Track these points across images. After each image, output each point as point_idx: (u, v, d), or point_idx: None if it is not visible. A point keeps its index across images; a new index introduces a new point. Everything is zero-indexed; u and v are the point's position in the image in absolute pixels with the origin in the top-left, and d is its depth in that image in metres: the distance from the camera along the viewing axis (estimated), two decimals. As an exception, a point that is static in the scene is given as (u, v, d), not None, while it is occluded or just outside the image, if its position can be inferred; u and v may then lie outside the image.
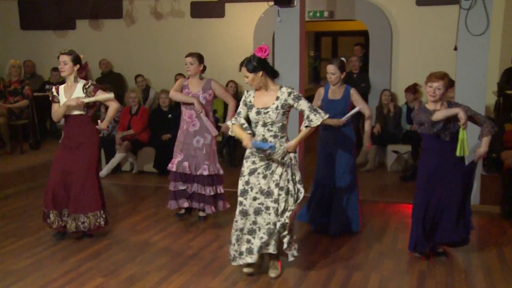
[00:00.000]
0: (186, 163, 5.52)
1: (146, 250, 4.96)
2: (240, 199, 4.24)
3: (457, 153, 4.38)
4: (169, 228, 5.56)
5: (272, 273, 4.33)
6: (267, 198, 4.14)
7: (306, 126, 4.14)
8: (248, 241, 4.19)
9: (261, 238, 4.15)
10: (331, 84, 5.22)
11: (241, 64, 4.15)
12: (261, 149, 4.09)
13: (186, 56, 5.54)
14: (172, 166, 5.58)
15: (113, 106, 5.13)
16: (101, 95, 5.02)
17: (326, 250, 4.93)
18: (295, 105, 4.13)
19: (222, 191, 5.63)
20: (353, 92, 5.22)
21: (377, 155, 8.25)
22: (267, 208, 4.14)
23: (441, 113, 4.31)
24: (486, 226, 5.58)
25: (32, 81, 9.49)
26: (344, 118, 5.15)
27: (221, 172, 5.60)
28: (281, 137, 4.18)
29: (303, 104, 4.12)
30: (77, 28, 10.39)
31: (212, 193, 5.53)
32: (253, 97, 4.22)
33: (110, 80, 9.34)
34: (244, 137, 4.12)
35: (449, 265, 4.57)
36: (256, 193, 4.17)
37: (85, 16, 10.25)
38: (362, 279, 4.29)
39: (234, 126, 4.25)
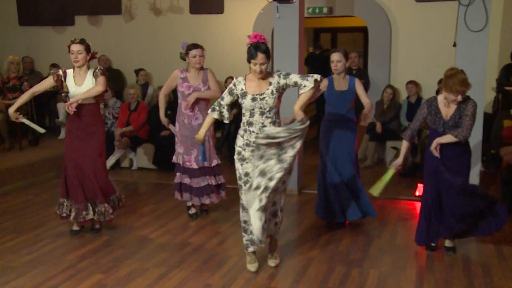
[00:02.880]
0: (199, 157, 5.53)
1: (145, 246, 4.96)
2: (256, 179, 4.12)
3: (370, 190, 4.75)
4: (168, 225, 5.56)
5: (272, 263, 4.43)
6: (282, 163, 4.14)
7: (301, 94, 4.14)
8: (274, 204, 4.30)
9: (284, 182, 4.22)
10: (336, 73, 5.21)
11: (261, 51, 4.05)
12: (201, 155, 4.66)
13: (192, 48, 5.43)
14: (191, 163, 5.54)
15: (97, 87, 4.84)
16: (89, 91, 4.85)
17: (325, 246, 4.94)
18: (287, 81, 4.14)
19: (223, 180, 5.73)
20: (358, 81, 5.25)
21: (376, 151, 8.26)
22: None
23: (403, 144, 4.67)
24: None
25: (31, 77, 9.47)
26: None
27: (219, 162, 5.70)
28: (277, 122, 4.21)
29: (294, 77, 4.14)
30: (76, 24, 10.38)
31: (219, 182, 5.66)
32: (244, 84, 4.21)
33: (109, 76, 9.19)
34: (201, 133, 4.40)
35: (447, 261, 4.58)
36: (264, 162, 4.11)
37: (84, 12, 10.24)
38: (361, 275, 4.30)
39: (208, 117, 4.37)
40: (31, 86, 8.50)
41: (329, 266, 4.48)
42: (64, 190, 5.10)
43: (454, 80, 4.22)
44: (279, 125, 4.22)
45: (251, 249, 4.39)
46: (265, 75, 4.17)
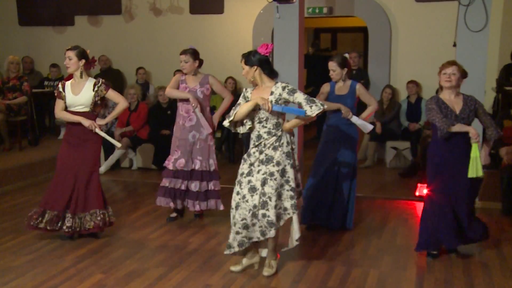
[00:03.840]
0: (182, 160, 5.48)
1: (145, 246, 4.96)
2: (247, 178, 4.17)
3: (469, 174, 4.34)
4: (168, 225, 5.56)
5: (266, 272, 4.28)
6: (268, 165, 4.14)
7: (298, 117, 4.15)
8: (264, 216, 4.10)
9: (275, 206, 4.11)
10: (333, 80, 5.25)
11: (243, 55, 4.22)
12: (281, 112, 4.11)
13: (180, 54, 5.47)
14: (169, 163, 5.54)
15: (122, 104, 5.10)
16: (116, 111, 5.15)
17: (324, 246, 4.94)
18: (291, 98, 4.12)
19: (216, 188, 5.52)
20: (359, 87, 5.23)
21: (376, 151, 8.27)
22: (271, 174, 4.13)
23: (456, 128, 4.33)
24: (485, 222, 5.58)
25: (31, 77, 9.49)
26: (354, 119, 5.14)
27: (213, 168, 5.51)
28: (274, 134, 4.16)
29: (299, 97, 4.10)
30: (76, 24, 10.38)
31: (201, 190, 5.46)
32: (250, 93, 4.24)
33: (109, 76, 9.32)
34: (260, 99, 4.03)
35: (448, 261, 4.58)
36: (258, 165, 4.15)
37: (83, 12, 10.24)
38: (361, 275, 4.30)
39: (240, 107, 4.15)
40: (31, 87, 8.57)
41: (329, 266, 4.48)
42: (48, 199, 4.98)
43: (444, 63, 4.51)
44: (279, 138, 4.16)
45: (227, 251, 4.31)
46: (261, 82, 4.18)
